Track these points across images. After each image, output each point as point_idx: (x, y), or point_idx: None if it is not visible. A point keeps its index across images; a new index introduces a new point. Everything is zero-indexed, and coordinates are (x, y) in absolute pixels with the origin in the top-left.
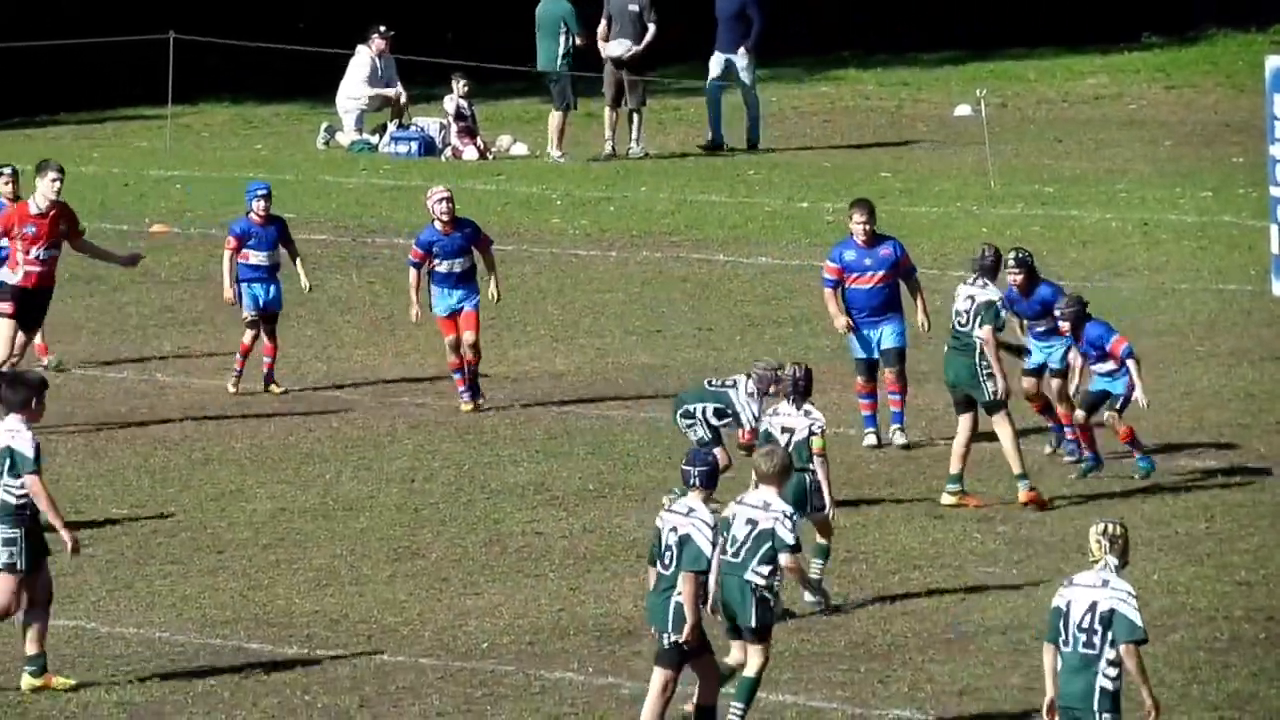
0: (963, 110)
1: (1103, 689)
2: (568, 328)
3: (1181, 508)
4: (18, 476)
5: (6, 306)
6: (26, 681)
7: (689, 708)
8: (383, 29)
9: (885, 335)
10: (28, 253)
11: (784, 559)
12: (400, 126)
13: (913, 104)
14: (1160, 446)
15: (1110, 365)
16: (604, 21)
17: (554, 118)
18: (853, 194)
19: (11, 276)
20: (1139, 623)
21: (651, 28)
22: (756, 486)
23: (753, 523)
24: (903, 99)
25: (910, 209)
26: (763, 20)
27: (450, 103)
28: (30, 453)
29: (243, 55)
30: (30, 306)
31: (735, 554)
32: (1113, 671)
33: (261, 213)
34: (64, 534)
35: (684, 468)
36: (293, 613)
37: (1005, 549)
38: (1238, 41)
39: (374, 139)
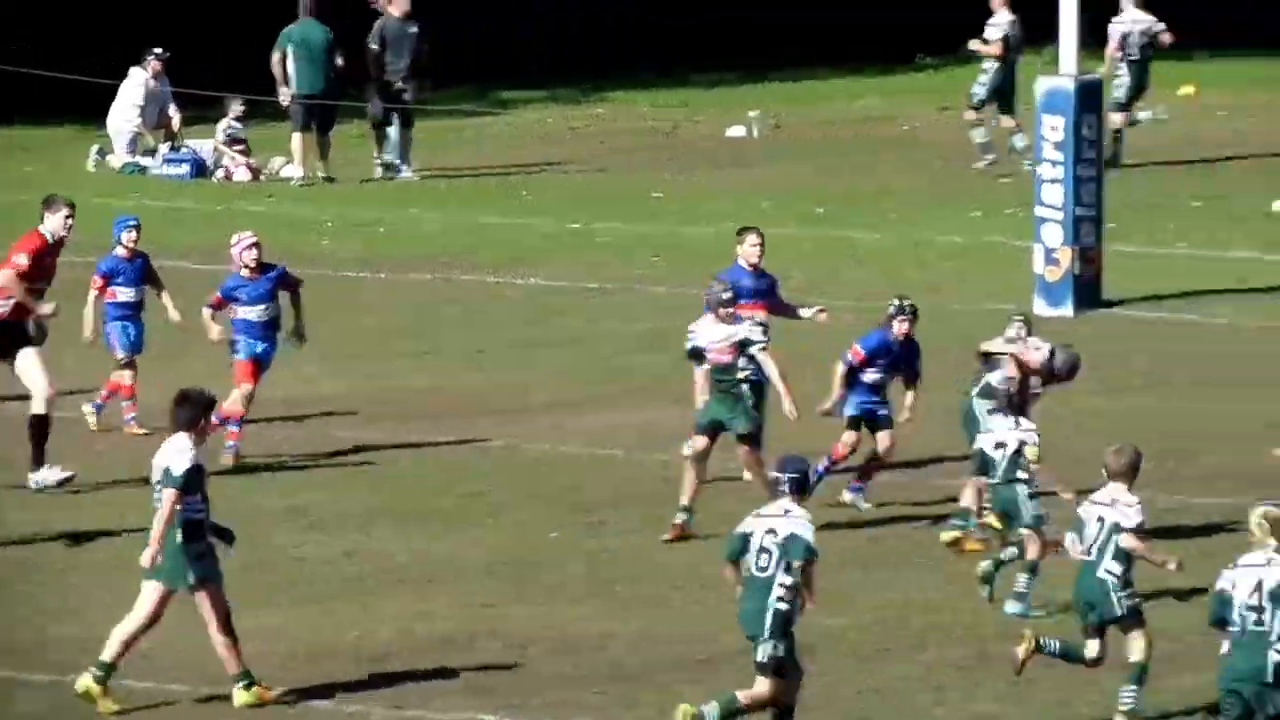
0: (736, 131)
1: (1276, 664)
2: (338, 350)
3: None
4: (193, 493)
5: None
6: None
7: None
8: (158, 51)
9: None
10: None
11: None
12: (172, 148)
13: (688, 125)
14: (927, 462)
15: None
16: (375, 44)
17: (296, 139)
18: (626, 215)
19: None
20: None
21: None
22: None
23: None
24: (677, 119)
25: (684, 229)
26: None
27: (223, 125)
28: (179, 470)
29: (11, 77)
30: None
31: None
32: None
33: (130, 245)
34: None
35: (773, 474)
36: (45, 639)
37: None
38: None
39: (145, 161)
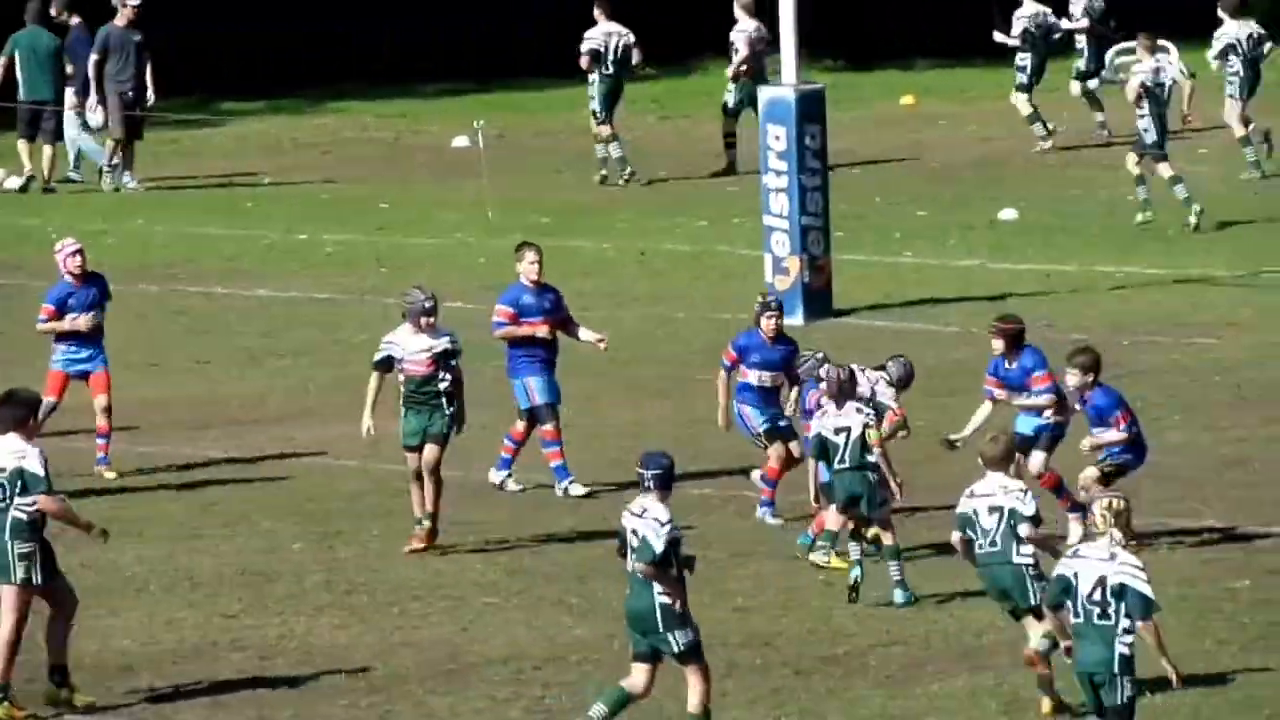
0: (460, 141)
1: (1121, 655)
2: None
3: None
4: (28, 495)
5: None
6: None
7: None
8: None
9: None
10: None
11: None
12: None
13: (411, 135)
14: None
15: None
16: (98, 54)
17: (24, 145)
18: (353, 225)
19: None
20: (1151, 595)
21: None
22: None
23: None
24: (401, 130)
25: (410, 240)
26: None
27: None
28: (41, 472)
29: None
30: None
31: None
32: (1128, 639)
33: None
34: (92, 534)
35: (639, 470)
36: None
37: (505, 579)
38: None
39: None
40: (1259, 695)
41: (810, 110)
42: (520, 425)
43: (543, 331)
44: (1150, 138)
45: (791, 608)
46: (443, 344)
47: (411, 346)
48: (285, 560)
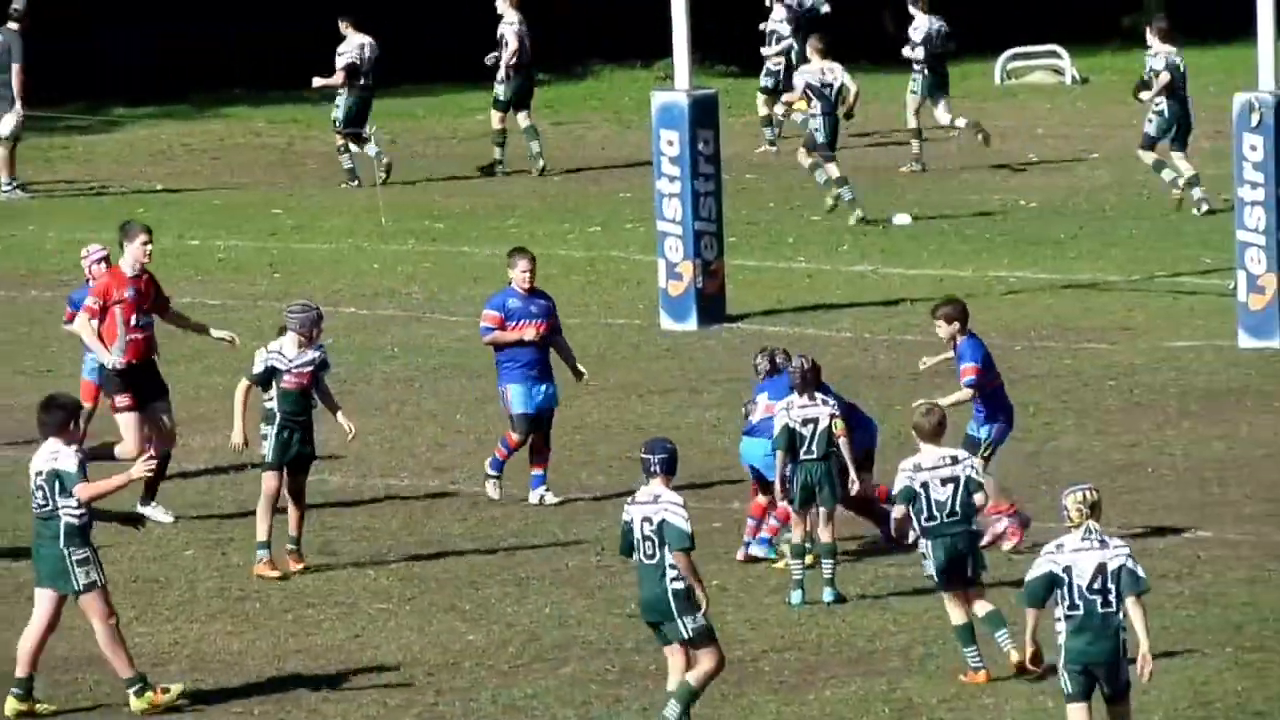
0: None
1: (1124, 641)
2: None
3: (574, 541)
4: (71, 496)
5: (124, 399)
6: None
7: None
8: None
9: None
10: (128, 321)
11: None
12: None
13: (303, 140)
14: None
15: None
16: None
17: None
18: (245, 231)
19: (110, 355)
20: (1142, 573)
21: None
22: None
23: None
24: (293, 135)
25: (302, 246)
26: None
27: None
28: (74, 469)
29: None
30: (141, 383)
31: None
32: (1126, 624)
33: None
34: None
35: (644, 456)
36: None
37: (398, 586)
38: (624, 78)
39: None
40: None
41: (703, 115)
42: (514, 435)
43: (530, 335)
44: (821, 137)
45: None
46: (319, 355)
47: (296, 359)
48: (177, 566)
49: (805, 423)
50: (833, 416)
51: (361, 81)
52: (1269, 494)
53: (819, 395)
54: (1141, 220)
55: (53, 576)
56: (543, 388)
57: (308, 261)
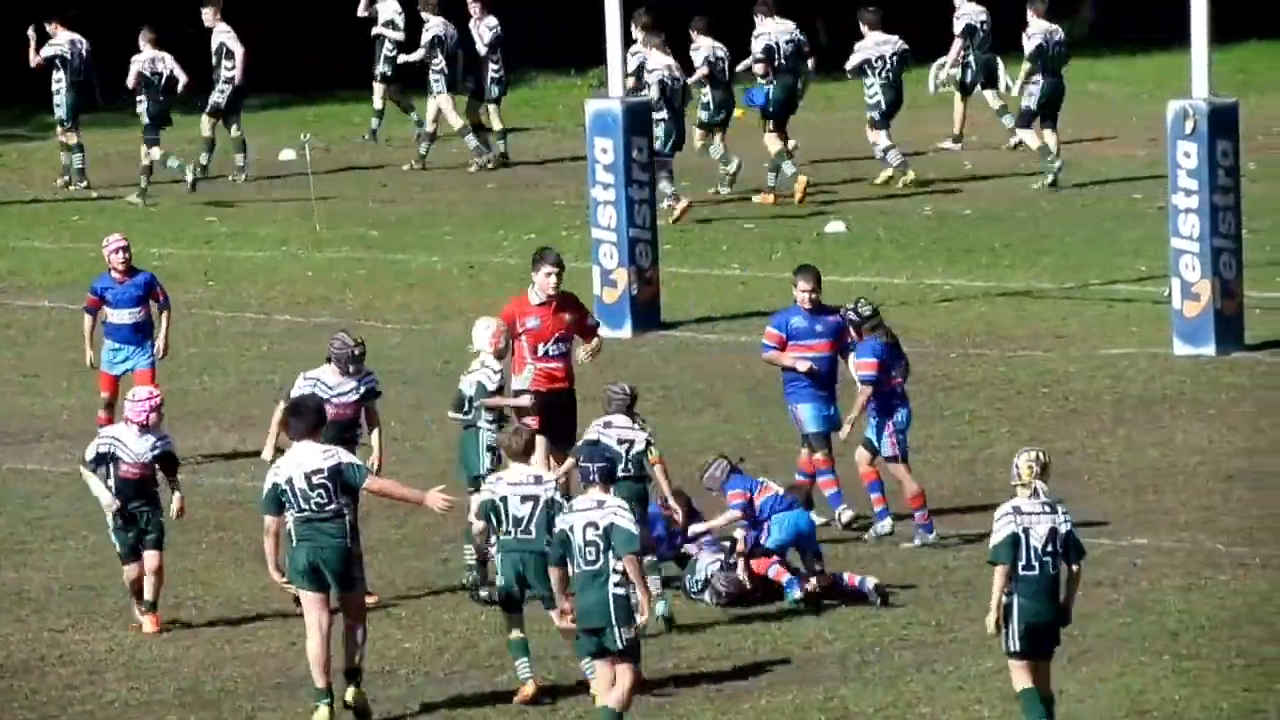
0: (287, 154)
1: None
2: None
3: None
4: (353, 490)
5: (533, 421)
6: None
7: None
8: None
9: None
10: (534, 350)
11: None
12: None
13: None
14: None
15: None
16: None
17: None
18: (182, 238)
19: (520, 381)
20: (1081, 541)
21: None
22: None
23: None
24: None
25: (236, 253)
26: None
27: None
28: (357, 459)
29: None
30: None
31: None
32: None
33: None
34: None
35: (582, 464)
36: None
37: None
38: (558, 85)
39: None
40: (1082, 709)
41: (637, 123)
42: (805, 454)
43: (802, 367)
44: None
45: None
46: (365, 385)
47: (336, 389)
48: (114, 574)
49: (621, 442)
50: (648, 443)
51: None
52: (1204, 501)
53: (637, 420)
54: (1075, 227)
55: (337, 575)
56: (832, 408)
57: (243, 269)
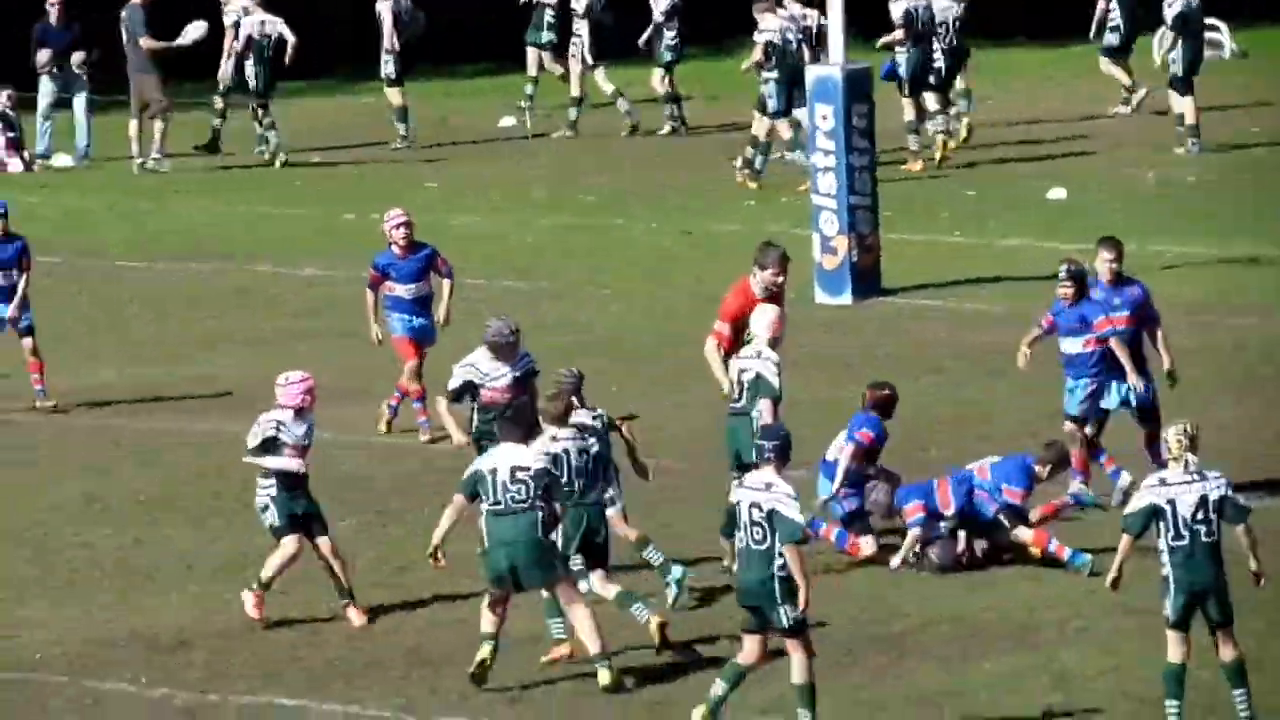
0: (506, 121)
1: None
2: (116, 340)
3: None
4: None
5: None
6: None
7: None
8: None
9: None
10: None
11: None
12: None
13: (456, 115)
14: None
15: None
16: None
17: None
18: (398, 204)
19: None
20: (1243, 501)
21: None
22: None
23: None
24: (446, 111)
25: (453, 220)
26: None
27: None
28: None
29: None
30: None
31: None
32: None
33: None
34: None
35: (758, 442)
36: None
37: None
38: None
39: None
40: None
41: (857, 90)
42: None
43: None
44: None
45: (843, 586)
46: (520, 369)
47: (491, 374)
48: (338, 539)
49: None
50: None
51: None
52: None
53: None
54: None
55: (543, 568)
56: (1125, 385)
57: (458, 236)
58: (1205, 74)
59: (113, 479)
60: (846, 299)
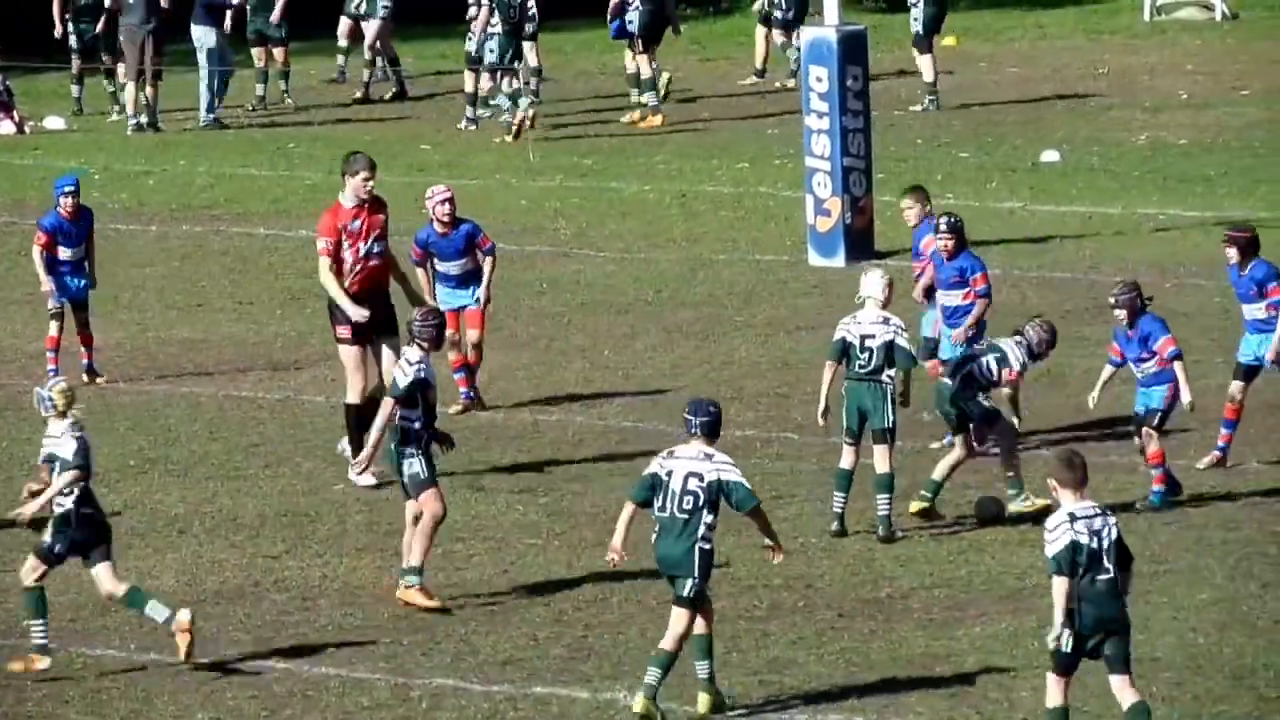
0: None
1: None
2: (107, 303)
3: None
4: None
5: (343, 331)
6: None
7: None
8: None
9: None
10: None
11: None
12: None
13: (450, 78)
14: None
15: (1152, 368)
16: None
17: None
18: (394, 166)
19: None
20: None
21: None
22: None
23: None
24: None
25: (451, 181)
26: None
27: None
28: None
29: None
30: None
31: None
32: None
33: (69, 209)
34: None
35: (686, 416)
36: None
37: (547, 520)
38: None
39: None
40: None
41: (852, 52)
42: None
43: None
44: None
45: (833, 550)
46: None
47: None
48: (327, 501)
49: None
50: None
51: None
52: None
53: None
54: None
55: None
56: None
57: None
58: (1198, 36)
59: (104, 442)
60: (840, 261)
